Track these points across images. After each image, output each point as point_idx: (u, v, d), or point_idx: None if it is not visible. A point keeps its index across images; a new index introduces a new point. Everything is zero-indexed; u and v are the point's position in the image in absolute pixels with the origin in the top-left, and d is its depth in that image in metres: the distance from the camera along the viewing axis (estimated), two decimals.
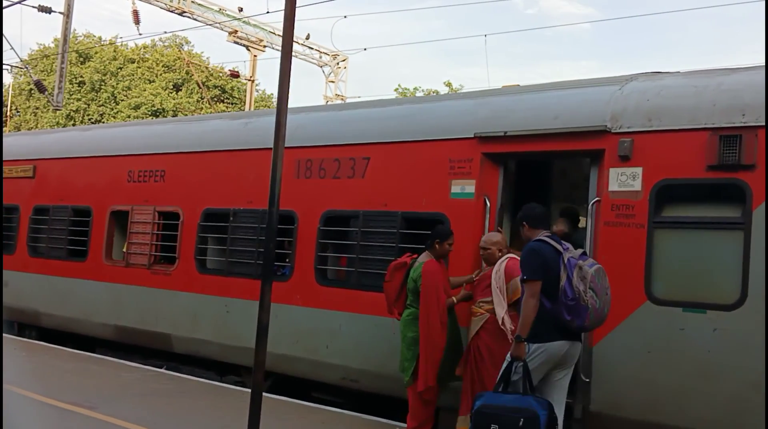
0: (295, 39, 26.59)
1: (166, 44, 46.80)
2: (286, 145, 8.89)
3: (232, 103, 43.28)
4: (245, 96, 43.89)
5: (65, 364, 9.00)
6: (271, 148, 9.09)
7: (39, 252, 11.78)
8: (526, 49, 66.57)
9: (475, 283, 6.55)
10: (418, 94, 40.58)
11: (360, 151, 8.02)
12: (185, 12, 22.35)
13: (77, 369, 8.71)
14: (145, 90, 40.87)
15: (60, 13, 19.42)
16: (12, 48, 22.79)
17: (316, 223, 8.28)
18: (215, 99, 42.96)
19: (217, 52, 75.19)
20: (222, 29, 23.66)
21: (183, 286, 9.55)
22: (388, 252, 7.56)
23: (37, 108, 43.77)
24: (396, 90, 43.42)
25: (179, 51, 45.38)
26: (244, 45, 24.23)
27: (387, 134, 7.85)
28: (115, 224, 10.75)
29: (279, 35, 25.10)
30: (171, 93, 41.87)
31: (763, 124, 5.59)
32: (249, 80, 24.36)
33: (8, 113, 44.18)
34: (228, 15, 23.63)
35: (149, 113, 39.32)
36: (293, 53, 23.86)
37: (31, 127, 42.94)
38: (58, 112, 41.61)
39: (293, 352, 8.31)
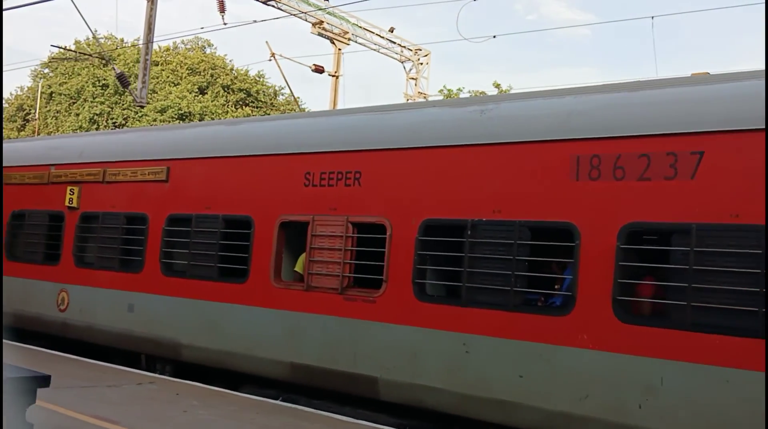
0: (377, 32, 24.51)
1: (188, 46, 45.30)
2: (552, 138, 6.97)
3: (257, 107, 41.72)
4: (271, 100, 42.40)
5: (263, 419, 7.00)
6: (525, 142, 7.19)
7: (178, 271, 9.83)
8: (527, 55, 66.11)
9: None
10: (463, 95, 38.68)
11: (687, 143, 6.00)
12: (270, 0, 20.46)
13: (286, 427, 6.73)
14: (171, 93, 39.33)
15: None
16: (94, 36, 21.01)
17: (612, 239, 6.25)
18: (240, 102, 41.40)
19: (241, 53, 73.51)
20: (306, 20, 21.77)
21: (396, 316, 7.56)
22: (748, 280, 5.54)
23: (57, 112, 41.99)
24: (440, 91, 41.60)
25: (202, 53, 43.82)
26: (328, 37, 22.32)
27: (735, 120, 5.83)
28: (284, 238, 8.78)
29: (364, 28, 23.27)
30: (197, 96, 40.39)
31: None
32: (333, 76, 22.39)
33: (36, 116, 42.34)
34: (312, 5, 21.74)
35: (176, 116, 37.82)
36: (375, 46, 21.51)
37: (51, 132, 41.23)
38: (79, 115, 39.98)
39: (580, 410, 6.29)
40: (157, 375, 8.90)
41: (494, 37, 18.15)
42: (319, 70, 22.09)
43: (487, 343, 6.90)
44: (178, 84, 40.78)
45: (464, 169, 7.31)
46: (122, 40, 44.50)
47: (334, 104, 22.63)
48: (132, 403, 7.07)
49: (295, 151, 8.72)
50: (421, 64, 25.54)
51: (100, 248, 10.82)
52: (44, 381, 5.04)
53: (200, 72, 42.00)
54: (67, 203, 11.36)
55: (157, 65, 41.82)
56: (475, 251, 7.07)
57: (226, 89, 41.51)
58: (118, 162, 10.84)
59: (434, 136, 7.62)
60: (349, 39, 22.84)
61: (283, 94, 44.06)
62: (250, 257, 8.94)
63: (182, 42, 45.67)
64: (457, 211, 7.27)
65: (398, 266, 7.59)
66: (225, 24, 19.43)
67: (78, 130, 39.08)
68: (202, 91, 41.43)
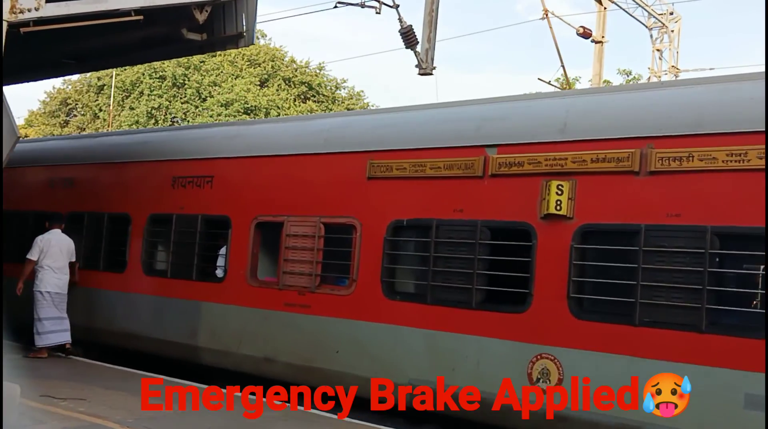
0: None
1: None
2: None
3: (318, 101, 37.46)
4: (332, 92, 37.50)
5: None
6: None
7: None
8: (530, 56, 62.89)
9: None
10: (579, 85, 33.64)
11: None
12: None
13: None
14: (235, 86, 35.38)
15: None
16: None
17: None
18: (302, 96, 37.12)
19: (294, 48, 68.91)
20: None
21: None
22: None
23: (107, 104, 37.34)
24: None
25: (259, 44, 39.46)
26: None
27: None
28: None
29: None
30: (260, 89, 36.39)
31: None
32: (598, 42, 17.69)
33: (110, 111, 37.59)
34: None
35: (242, 111, 33.87)
36: (634, 7, 14.54)
37: (99, 128, 36.75)
38: (135, 109, 34.85)
39: None
40: None
41: None
42: (586, 33, 17.40)
43: None
44: (239, 76, 36.59)
45: None
46: None
47: (600, 77, 17.93)
48: None
49: None
50: (672, 31, 20.77)
51: (654, 290, 6.15)
52: None
53: (260, 64, 37.99)
54: (550, 209, 6.71)
55: (214, 56, 37.56)
56: None
57: (287, 82, 37.32)
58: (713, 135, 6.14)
59: None
60: None
61: (344, 88, 39.51)
62: None
63: None
64: None
65: None
66: None
67: (134, 126, 34.68)
68: (262, 84, 37.42)
